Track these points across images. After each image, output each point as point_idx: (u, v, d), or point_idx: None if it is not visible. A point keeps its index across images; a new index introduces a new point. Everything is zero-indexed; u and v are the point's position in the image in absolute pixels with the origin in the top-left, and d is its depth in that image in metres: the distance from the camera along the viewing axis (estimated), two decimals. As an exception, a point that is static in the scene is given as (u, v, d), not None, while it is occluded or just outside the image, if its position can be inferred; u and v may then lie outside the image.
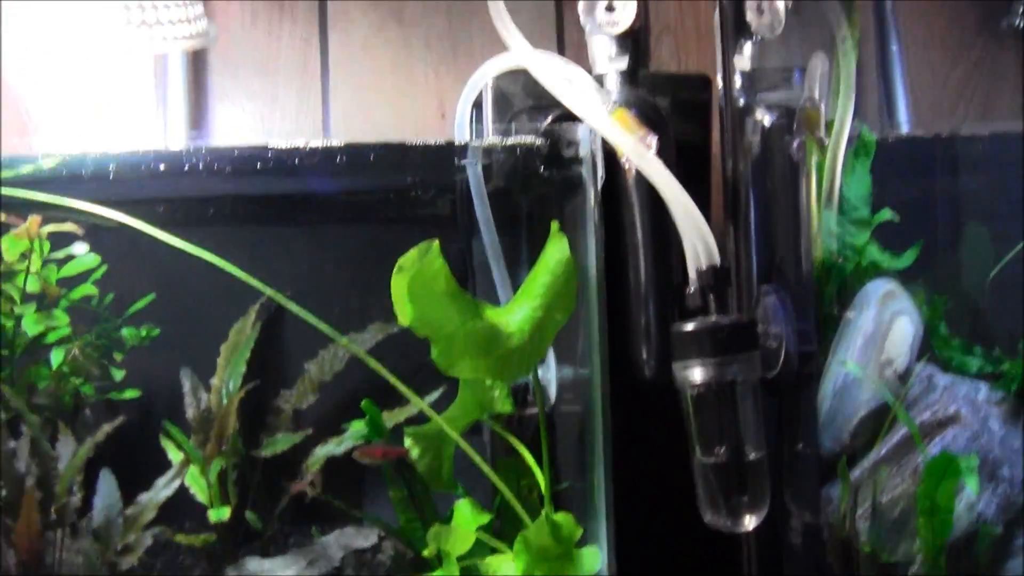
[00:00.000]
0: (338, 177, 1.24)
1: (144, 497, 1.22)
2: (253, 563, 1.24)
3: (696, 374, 1.06)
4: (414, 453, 1.18)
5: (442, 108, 1.52)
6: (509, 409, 1.19)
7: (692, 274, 1.07)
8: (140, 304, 1.26)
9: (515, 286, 1.26)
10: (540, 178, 1.23)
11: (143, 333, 1.27)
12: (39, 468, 1.19)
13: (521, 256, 1.27)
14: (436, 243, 1.09)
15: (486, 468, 1.18)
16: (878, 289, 1.23)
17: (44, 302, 1.22)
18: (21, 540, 1.15)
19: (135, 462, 1.24)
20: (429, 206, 1.33)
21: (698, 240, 1.06)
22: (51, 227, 1.18)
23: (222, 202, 1.29)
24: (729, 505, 1.08)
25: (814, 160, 1.20)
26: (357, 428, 1.23)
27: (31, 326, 1.21)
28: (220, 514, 1.23)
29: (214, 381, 1.27)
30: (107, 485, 1.22)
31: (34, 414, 1.21)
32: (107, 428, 1.22)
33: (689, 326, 1.07)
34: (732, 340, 1.06)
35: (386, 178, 1.27)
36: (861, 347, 1.21)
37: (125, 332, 1.26)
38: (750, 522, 1.09)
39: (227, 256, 1.15)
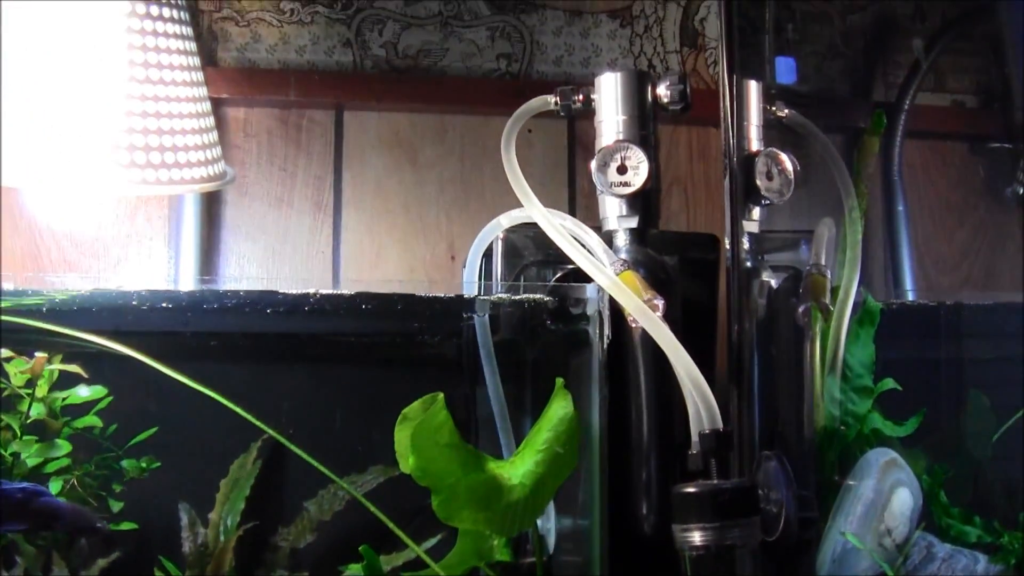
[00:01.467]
0: (346, 321, 1.25)
1: (136, 635, 1.21)
2: None
3: (696, 537, 1.05)
4: (410, 599, 1.18)
5: (452, 250, 1.53)
6: (507, 558, 1.19)
7: (695, 436, 1.07)
8: (142, 436, 1.26)
9: (518, 434, 1.27)
10: (547, 332, 1.24)
11: (143, 465, 1.26)
12: (32, 600, 1.18)
13: (525, 404, 1.28)
14: (441, 396, 1.09)
15: (481, 618, 1.18)
16: (879, 458, 1.23)
17: (46, 432, 1.22)
18: (10, 674, 1.14)
19: (128, 596, 1.23)
20: (435, 350, 1.33)
21: (701, 404, 1.06)
22: (57, 366, 1.19)
23: (229, 339, 1.29)
24: (725, 670, 1.07)
25: (819, 326, 1.21)
26: (354, 572, 1.22)
27: (31, 458, 1.21)
28: (211, 654, 1.22)
29: (212, 516, 1.27)
30: (99, 619, 1.22)
31: (29, 544, 1.20)
32: (102, 562, 1.21)
33: (690, 489, 1.06)
34: (733, 505, 1.05)
35: (393, 323, 1.28)
36: (861, 515, 1.21)
37: (125, 463, 1.26)
38: None
39: (231, 392, 1.16)
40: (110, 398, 1.23)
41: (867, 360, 1.25)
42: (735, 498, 1.06)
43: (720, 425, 1.07)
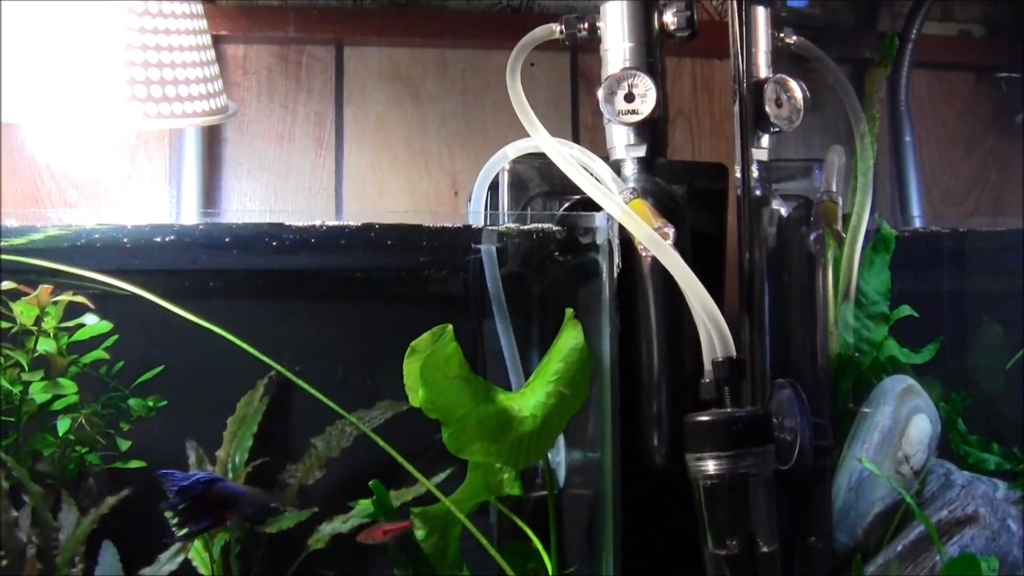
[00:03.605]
0: (352, 255, 1.24)
1: (147, 571, 1.21)
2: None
3: (709, 466, 1.05)
4: (420, 533, 1.17)
5: (455, 185, 1.52)
6: (518, 492, 1.18)
7: (707, 365, 1.06)
8: (149, 375, 1.25)
9: (527, 367, 1.26)
10: (555, 263, 1.22)
11: (150, 404, 1.26)
12: (40, 538, 1.18)
13: (533, 338, 1.27)
14: (450, 327, 1.08)
15: (492, 551, 1.17)
16: (895, 385, 1.22)
17: (53, 368, 1.21)
18: (20, 612, 1.14)
19: (138, 534, 1.23)
20: (443, 282, 1.33)
21: (714, 332, 1.05)
22: (63, 297, 1.18)
23: (235, 276, 1.29)
24: (740, 598, 1.07)
25: (831, 253, 1.20)
26: (364, 507, 1.21)
27: (39, 394, 1.20)
28: (222, 590, 1.22)
29: (220, 454, 1.27)
30: (109, 557, 1.21)
31: (37, 483, 1.20)
32: (111, 500, 1.21)
33: (704, 417, 1.05)
34: (747, 433, 1.04)
35: (399, 257, 1.27)
36: (878, 443, 1.21)
37: (132, 402, 1.25)
38: (760, 615, 1.08)
39: (238, 330, 1.15)
40: (116, 336, 1.22)
41: (882, 287, 1.24)
42: (749, 426, 1.05)
43: (733, 353, 1.06)
